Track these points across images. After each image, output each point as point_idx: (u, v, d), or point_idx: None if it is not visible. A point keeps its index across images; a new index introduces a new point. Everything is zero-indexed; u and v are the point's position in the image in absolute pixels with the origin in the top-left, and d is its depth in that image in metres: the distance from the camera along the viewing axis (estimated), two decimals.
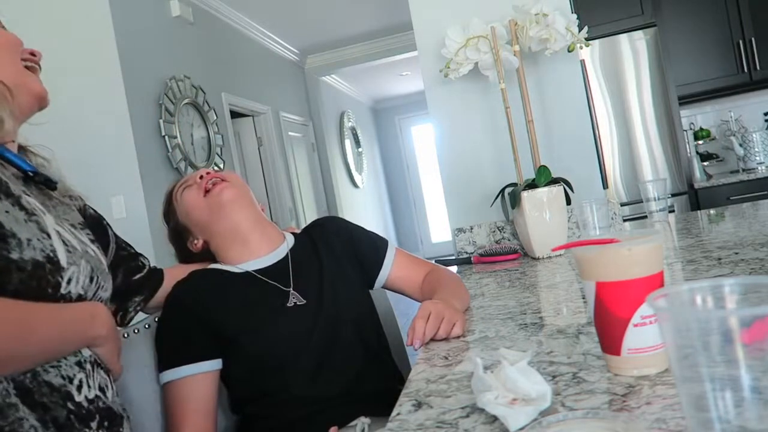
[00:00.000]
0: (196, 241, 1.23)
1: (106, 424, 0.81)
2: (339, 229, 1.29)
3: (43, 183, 0.89)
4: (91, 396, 0.80)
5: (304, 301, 1.14)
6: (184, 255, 1.28)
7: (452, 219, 1.89)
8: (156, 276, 1.17)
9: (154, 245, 2.81)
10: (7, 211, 0.75)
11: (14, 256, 0.72)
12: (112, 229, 1.11)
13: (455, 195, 1.88)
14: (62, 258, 0.79)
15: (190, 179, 1.23)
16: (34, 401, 0.72)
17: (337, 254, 1.23)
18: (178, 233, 1.25)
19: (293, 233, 1.30)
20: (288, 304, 1.13)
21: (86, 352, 0.83)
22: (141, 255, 1.18)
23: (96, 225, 1.04)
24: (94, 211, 1.07)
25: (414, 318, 0.95)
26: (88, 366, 0.82)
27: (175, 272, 1.20)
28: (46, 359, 0.76)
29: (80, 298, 0.82)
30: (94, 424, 0.79)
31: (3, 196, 0.77)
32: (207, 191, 1.19)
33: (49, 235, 0.79)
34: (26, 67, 0.92)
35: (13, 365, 0.71)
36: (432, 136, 1.95)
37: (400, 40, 5.59)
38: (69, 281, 0.79)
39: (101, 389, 0.83)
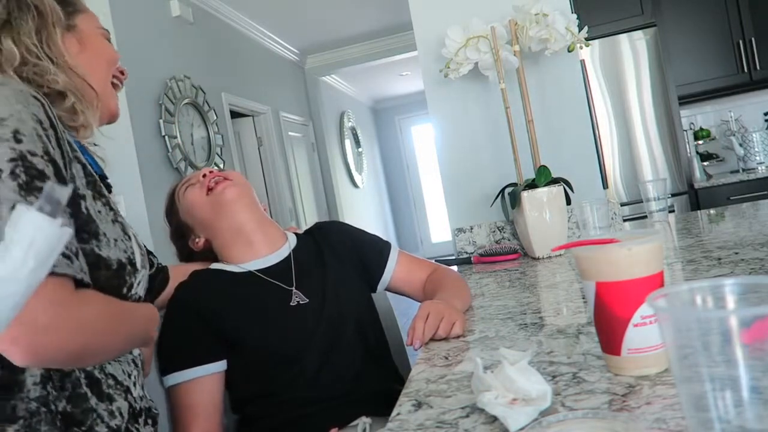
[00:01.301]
0: (197, 240, 1.23)
1: (149, 421, 0.86)
2: (342, 233, 1.29)
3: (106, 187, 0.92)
4: (141, 393, 0.85)
5: (307, 300, 1.14)
6: (186, 254, 1.28)
7: (452, 219, 1.89)
8: (162, 275, 1.18)
9: (155, 245, 2.81)
10: (99, 211, 0.80)
11: (104, 253, 0.76)
12: None
13: (455, 195, 1.88)
14: (138, 261, 0.83)
15: (193, 178, 1.24)
16: (101, 391, 0.77)
17: (341, 257, 1.23)
18: (180, 232, 1.25)
19: (295, 233, 1.30)
20: (291, 303, 1.13)
21: (136, 351, 0.87)
22: (151, 253, 1.19)
23: None
24: None
25: (414, 318, 0.95)
26: (139, 364, 0.87)
27: (177, 271, 1.20)
28: (121, 354, 0.81)
29: (138, 300, 0.86)
30: (141, 420, 0.83)
31: (97, 195, 0.81)
32: (210, 189, 1.19)
33: (130, 238, 0.83)
34: (112, 83, 0.98)
35: (103, 356, 0.77)
36: (432, 136, 1.95)
37: (400, 40, 5.58)
38: (138, 283, 0.83)
39: (142, 388, 0.88)
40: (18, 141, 0.69)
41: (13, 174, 0.66)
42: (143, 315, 0.86)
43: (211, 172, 1.22)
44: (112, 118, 1.00)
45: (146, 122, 3.03)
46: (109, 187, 0.93)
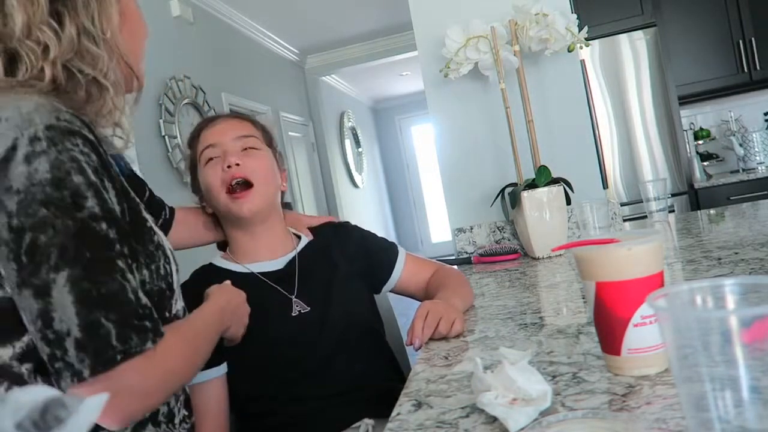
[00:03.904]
0: (208, 208, 1.22)
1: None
2: (353, 233, 1.30)
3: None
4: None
5: (308, 309, 1.13)
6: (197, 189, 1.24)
7: (452, 219, 1.89)
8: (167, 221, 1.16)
9: None
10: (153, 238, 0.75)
11: (149, 287, 0.72)
12: None
13: (455, 195, 1.88)
14: (174, 280, 0.79)
15: (218, 147, 1.14)
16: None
17: (350, 257, 1.23)
18: (195, 173, 1.21)
19: (312, 232, 1.29)
20: (292, 314, 1.12)
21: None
22: (162, 201, 1.17)
23: None
24: None
25: (413, 318, 0.95)
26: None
27: (182, 216, 1.19)
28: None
29: (183, 313, 0.81)
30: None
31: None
32: (230, 191, 1.13)
33: (169, 260, 0.77)
34: None
35: (187, 382, 0.77)
36: (432, 136, 1.95)
37: (400, 40, 5.58)
38: (176, 301, 0.79)
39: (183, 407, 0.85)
40: (79, 208, 0.61)
41: (77, 253, 0.59)
42: (211, 322, 0.85)
43: (237, 164, 1.12)
44: (140, 89, 0.89)
45: (146, 122, 3.03)
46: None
